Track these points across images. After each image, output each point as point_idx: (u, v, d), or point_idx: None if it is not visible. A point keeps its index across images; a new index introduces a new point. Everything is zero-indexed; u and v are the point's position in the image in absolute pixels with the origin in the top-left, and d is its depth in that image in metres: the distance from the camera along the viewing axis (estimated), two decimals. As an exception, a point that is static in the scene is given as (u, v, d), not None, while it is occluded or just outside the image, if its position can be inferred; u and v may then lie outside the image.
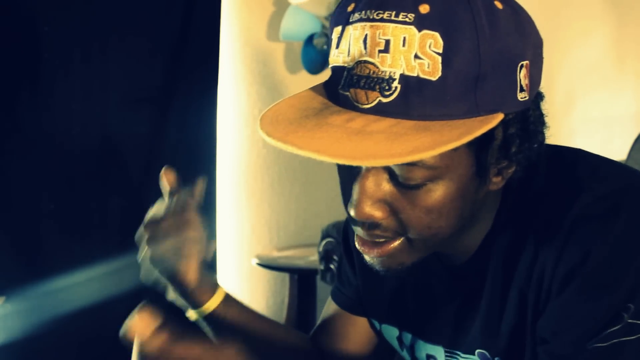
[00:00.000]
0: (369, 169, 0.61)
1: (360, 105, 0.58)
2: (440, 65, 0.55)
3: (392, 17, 0.55)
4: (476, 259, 0.72)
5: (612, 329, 0.60)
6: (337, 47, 0.61)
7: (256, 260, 2.30)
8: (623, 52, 1.86)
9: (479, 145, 0.60)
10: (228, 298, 0.87)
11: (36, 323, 2.00)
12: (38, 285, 2.03)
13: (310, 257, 2.25)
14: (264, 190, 2.59)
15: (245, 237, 2.56)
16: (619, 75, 1.87)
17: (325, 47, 2.37)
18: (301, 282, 2.31)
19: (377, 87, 0.57)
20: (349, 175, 0.64)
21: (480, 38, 0.55)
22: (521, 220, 0.68)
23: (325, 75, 0.68)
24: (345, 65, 0.59)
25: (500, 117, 0.58)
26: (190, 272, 0.82)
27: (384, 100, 0.57)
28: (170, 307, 0.83)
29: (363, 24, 0.57)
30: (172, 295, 0.88)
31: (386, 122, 0.57)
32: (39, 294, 2.03)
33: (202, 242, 0.83)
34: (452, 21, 0.55)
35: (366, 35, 0.57)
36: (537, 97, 0.64)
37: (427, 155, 0.55)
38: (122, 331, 0.63)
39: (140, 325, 0.62)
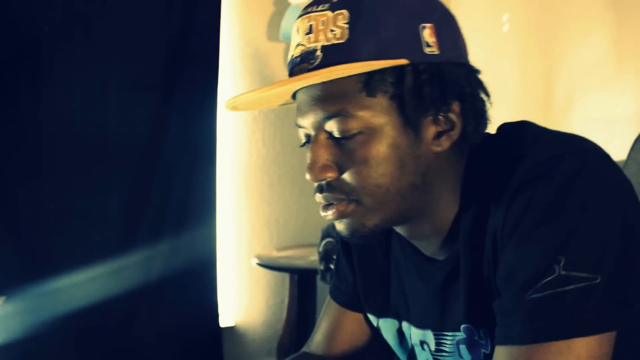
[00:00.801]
0: (315, 138, 0.75)
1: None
2: (347, 31, 0.71)
3: (315, 9, 0.74)
4: (448, 241, 0.79)
5: (546, 280, 0.64)
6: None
7: (256, 260, 2.30)
8: (623, 52, 1.86)
9: (395, 94, 0.72)
10: None
11: (36, 323, 2.00)
12: (38, 285, 2.03)
13: (310, 257, 2.25)
14: (263, 190, 2.59)
15: (245, 237, 2.57)
16: (619, 75, 1.87)
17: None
18: (301, 282, 2.31)
19: (306, 59, 0.74)
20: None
21: (378, 6, 0.72)
22: (481, 194, 0.75)
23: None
24: (292, 54, 0.76)
25: (403, 61, 0.72)
26: None
27: (311, 67, 0.73)
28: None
29: (299, 19, 0.76)
30: None
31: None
32: (39, 294, 2.03)
33: None
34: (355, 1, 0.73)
35: (298, 26, 0.75)
36: (467, 67, 0.76)
37: (341, 72, 0.70)
38: None
39: None
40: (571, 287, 0.63)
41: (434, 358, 0.84)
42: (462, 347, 0.78)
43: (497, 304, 0.69)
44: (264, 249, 2.57)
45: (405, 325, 0.89)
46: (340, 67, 0.70)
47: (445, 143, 0.75)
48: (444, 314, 0.80)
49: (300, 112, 0.77)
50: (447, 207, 0.78)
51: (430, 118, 0.74)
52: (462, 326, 0.77)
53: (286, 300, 2.37)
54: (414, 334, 0.87)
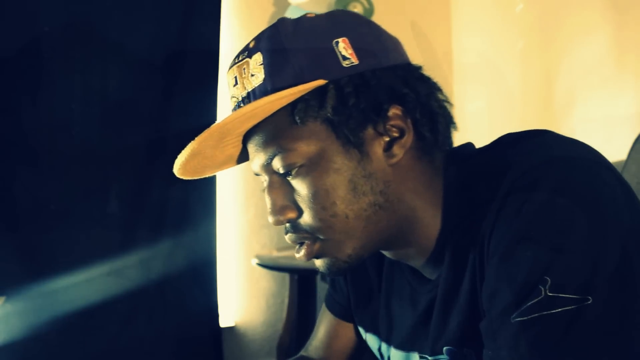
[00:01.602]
0: (269, 182, 0.75)
1: None
2: (263, 70, 0.73)
3: (237, 60, 0.77)
4: (437, 259, 0.75)
5: (531, 302, 0.59)
6: None
7: (256, 260, 2.30)
8: (623, 52, 1.86)
9: (325, 117, 0.71)
10: None
11: (36, 323, 2.00)
12: (38, 285, 2.03)
13: (310, 257, 2.24)
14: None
15: (245, 237, 2.57)
16: (619, 75, 1.87)
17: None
18: (301, 282, 2.31)
19: (238, 108, 0.75)
20: None
21: (284, 40, 0.73)
22: (467, 208, 0.70)
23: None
24: (230, 107, 0.78)
25: (321, 82, 0.70)
26: None
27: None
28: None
29: (227, 73, 0.78)
30: None
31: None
32: (39, 294, 2.03)
33: None
34: (264, 41, 0.75)
35: (228, 80, 0.78)
36: (401, 68, 0.74)
37: (251, 107, 0.70)
38: None
39: None
40: (559, 309, 0.58)
41: None
42: None
43: (483, 326, 0.66)
44: (264, 249, 2.57)
45: (384, 346, 0.87)
46: (253, 103, 0.70)
47: (399, 152, 0.72)
48: (428, 337, 0.77)
49: (251, 160, 0.77)
50: (427, 224, 0.74)
51: (370, 131, 0.71)
52: (445, 348, 0.74)
53: (286, 300, 2.37)
54: (394, 356, 0.84)
